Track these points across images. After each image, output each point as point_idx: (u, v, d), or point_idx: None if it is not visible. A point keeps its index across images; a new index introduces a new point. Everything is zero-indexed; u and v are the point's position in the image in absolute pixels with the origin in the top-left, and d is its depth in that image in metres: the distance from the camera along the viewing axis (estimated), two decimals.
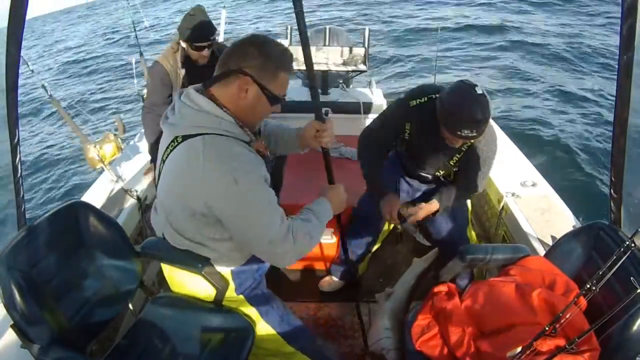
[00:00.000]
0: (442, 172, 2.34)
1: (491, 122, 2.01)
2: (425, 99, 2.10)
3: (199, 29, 2.63)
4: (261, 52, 1.38)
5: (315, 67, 4.07)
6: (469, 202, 3.43)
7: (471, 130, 1.90)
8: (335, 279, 2.79)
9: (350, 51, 4.06)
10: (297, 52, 4.04)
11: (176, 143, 1.39)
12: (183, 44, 2.71)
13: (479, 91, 1.87)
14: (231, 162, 1.34)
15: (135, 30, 3.65)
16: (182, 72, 2.77)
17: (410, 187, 2.53)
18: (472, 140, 2.04)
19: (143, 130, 3.15)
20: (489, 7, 14.26)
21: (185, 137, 1.37)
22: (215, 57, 2.79)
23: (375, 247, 2.74)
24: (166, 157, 1.43)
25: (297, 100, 4.07)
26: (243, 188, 1.35)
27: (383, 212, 2.30)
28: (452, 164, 2.25)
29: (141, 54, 3.62)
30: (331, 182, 1.77)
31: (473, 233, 2.81)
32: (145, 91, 3.56)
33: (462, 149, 2.15)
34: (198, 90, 1.44)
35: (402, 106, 2.18)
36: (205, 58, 2.74)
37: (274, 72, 1.41)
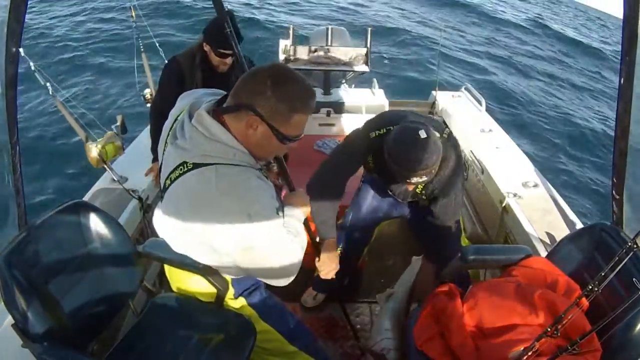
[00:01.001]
0: (414, 199, 2.28)
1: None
2: (384, 130, 2.02)
3: (226, 36, 2.54)
4: (275, 91, 1.27)
5: (317, 67, 4.11)
6: (467, 204, 3.45)
7: (420, 176, 1.87)
8: (317, 293, 2.72)
9: (353, 51, 4.06)
10: (299, 51, 4.08)
11: (185, 168, 1.32)
12: (205, 47, 2.62)
13: (423, 135, 1.81)
14: (245, 197, 1.31)
15: (136, 28, 3.65)
16: (199, 75, 2.68)
17: (395, 201, 2.47)
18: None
19: (146, 128, 3.14)
20: (490, 6, 14.26)
21: (196, 165, 1.31)
22: (234, 66, 2.73)
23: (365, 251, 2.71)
24: (175, 178, 1.36)
25: None
26: (256, 224, 1.32)
27: (324, 265, 2.08)
28: (419, 192, 2.18)
29: (144, 56, 3.63)
30: (292, 190, 1.74)
31: (466, 240, 2.80)
32: (147, 91, 3.57)
33: None
34: (209, 112, 1.35)
35: (363, 138, 2.10)
36: (227, 66, 2.65)
37: (287, 114, 1.31)
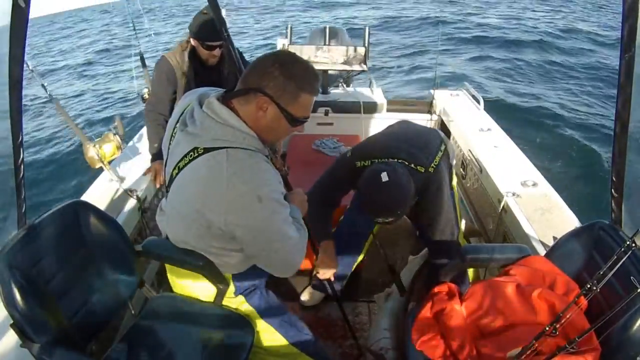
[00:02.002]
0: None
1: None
2: (369, 162, 2.05)
3: (211, 28, 2.47)
4: (282, 71, 1.32)
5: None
6: (465, 203, 3.46)
7: (385, 217, 1.90)
8: (316, 291, 2.72)
9: (351, 50, 4.06)
10: (297, 50, 4.08)
11: (196, 154, 1.35)
12: (193, 42, 2.64)
13: (385, 178, 1.83)
14: (255, 179, 1.33)
15: (135, 30, 3.65)
16: (190, 71, 2.70)
17: None
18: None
19: (145, 128, 3.15)
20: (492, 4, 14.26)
21: (207, 150, 1.33)
22: (224, 60, 2.74)
23: (359, 259, 2.71)
24: (183, 166, 1.38)
25: None
26: (266, 206, 1.34)
27: (322, 266, 2.16)
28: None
29: (142, 57, 3.63)
30: (289, 189, 1.76)
31: (464, 239, 2.79)
32: (145, 91, 3.56)
33: None
34: (219, 99, 1.39)
35: (349, 167, 2.12)
36: (216, 58, 2.67)
37: (294, 93, 1.35)
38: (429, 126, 4.35)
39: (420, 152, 2.04)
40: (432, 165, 2.02)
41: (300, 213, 1.59)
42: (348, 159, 2.15)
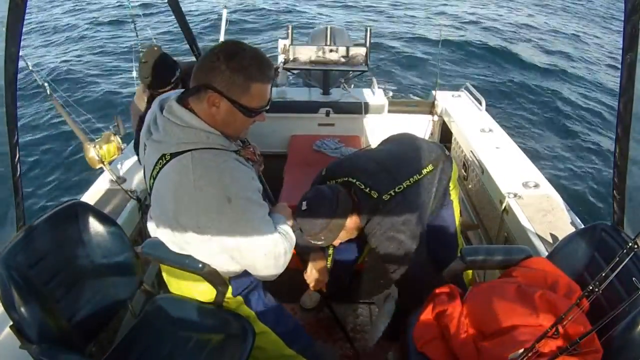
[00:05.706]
0: None
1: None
2: (334, 182, 2.05)
3: (156, 76, 2.60)
4: (228, 64, 1.29)
5: (317, 67, 4.10)
6: (467, 204, 3.45)
7: (312, 240, 1.92)
8: (316, 293, 2.68)
9: (352, 51, 4.06)
10: (298, 51, 4.07)
11: (164, 161, 1.35)
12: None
13: (304, 207, 1.87)
14: (223, 180, 1.32)
15: (135, 29, 3.64)
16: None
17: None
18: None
19: None
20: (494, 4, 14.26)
21: (173, 155, 1.33)
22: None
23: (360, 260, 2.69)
24: (156, 175, 1.39)
25: (298, 100, 4.08)
26: (236, 207, 1.33)
27: (311, 278, 2.20)
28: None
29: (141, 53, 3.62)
30: (273, 204, 1.74)
31: (461, 240, 2.78)
32: None
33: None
34: (179, 102, 1.38)
35: (323, 183, 2.11)
36: None
37: (244, 84, 1.32)
38: (430, 127, 4.34)
39: (385, 176, 1.99)
40: (391, 192, 1.94)
41: (285, 220, 1.57)
42: (322, 177, 2.15)
